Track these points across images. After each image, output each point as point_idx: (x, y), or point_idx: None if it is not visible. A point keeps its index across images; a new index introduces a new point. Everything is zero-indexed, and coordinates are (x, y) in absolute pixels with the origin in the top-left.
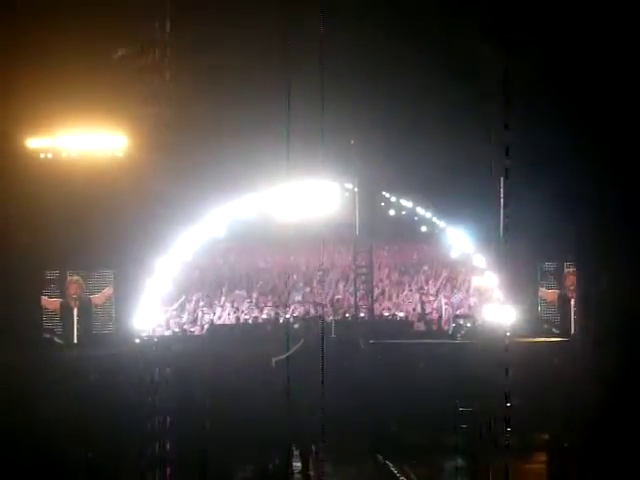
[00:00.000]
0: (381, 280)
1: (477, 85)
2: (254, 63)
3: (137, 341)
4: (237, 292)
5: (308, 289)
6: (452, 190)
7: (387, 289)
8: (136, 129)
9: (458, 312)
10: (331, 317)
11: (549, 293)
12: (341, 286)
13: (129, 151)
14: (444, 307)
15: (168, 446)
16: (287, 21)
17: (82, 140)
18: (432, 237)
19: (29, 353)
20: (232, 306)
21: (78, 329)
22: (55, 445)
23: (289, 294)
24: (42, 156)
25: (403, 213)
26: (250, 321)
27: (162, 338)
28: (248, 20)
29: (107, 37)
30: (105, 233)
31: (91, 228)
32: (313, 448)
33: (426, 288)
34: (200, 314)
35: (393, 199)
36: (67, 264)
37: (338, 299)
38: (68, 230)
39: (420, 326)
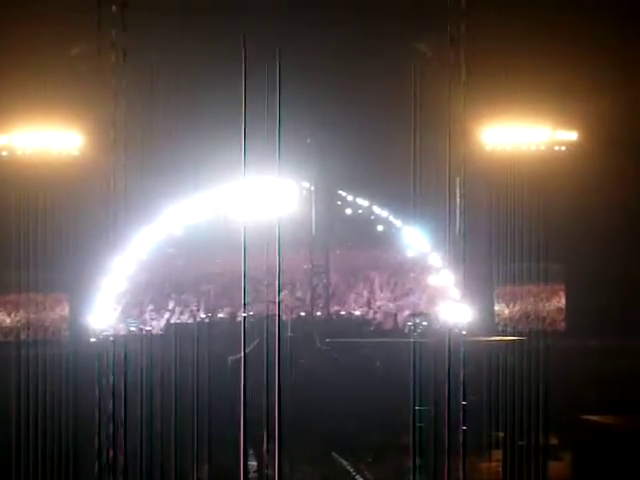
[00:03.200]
0: (337, 279)
1: (431, 84)
2: (210, 61)
3: (93, 340)
4: (193, 291)
5: (264, 288)
6: (409, 189)
7: (343, 288)
8: (91, 127)
9: (414, 311)
10: (287, 316)
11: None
12: (297, 285)
13: (84, 149)
14: (400, 306)
15: (122, 446)
16: (244, 20)
17: (37, 138)
18: (388, 236)
19: None
20: (188, 305)
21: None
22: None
23: (244, 293)
24: None
25: (359, 212)
26: (206, 320)
27: (118, 337)
28: (203, 18)
29: (63, 35)
30: (60, 231)
31: (46, 226)
32: (268, 447)
33: (382, 287)
34: (156, 313)
35: (350, 198)
36: (20, 262)
37: (294, 297)
38: (21, 228)
39: (376, 324)
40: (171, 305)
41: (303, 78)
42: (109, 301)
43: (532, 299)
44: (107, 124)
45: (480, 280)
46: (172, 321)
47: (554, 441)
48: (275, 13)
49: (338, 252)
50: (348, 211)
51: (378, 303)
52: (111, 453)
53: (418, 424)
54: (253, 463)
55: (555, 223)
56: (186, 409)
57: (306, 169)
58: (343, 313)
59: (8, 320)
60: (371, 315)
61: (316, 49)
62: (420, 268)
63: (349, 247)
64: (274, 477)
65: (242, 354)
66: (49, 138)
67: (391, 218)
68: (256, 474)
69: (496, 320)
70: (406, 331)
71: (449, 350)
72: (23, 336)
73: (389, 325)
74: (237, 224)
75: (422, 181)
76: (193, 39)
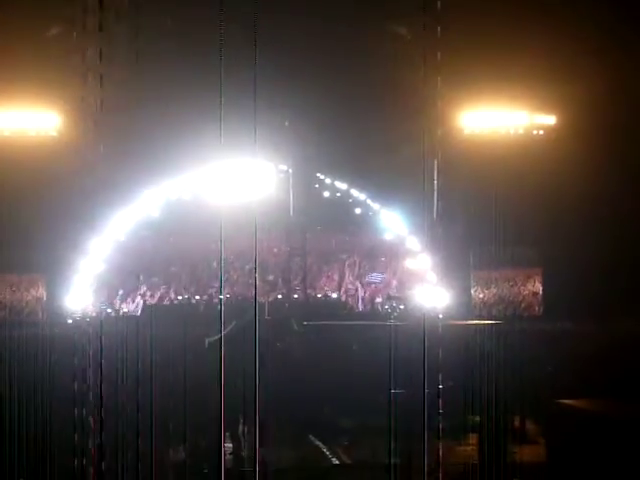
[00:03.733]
0: (314, 262)
1: (406, 62)
2: (187, 41)
3: (69, 322)
4: (169, 273)
5: (241, 270)
6: (386, 172)
7: (320, 271)
8: (69, 108)
9: (391, 294)
10: (264, 298)
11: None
12: (275, 267)
13: (62, 130)
14: (377, 289)
15: (97, 429)
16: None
17: (14, 119)
18: (366, 219)
19: None
20: (165, 287)
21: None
22: None
23: (222, 275)
24: None
25: (338, 195)
26: (183, 302)
27: (94, 319)
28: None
29: (41, 15)
30: (37, 212)
31: (22, 207)
32: (245, 429)
33: (359, 270)
34: (133, 295)
35: (328, 181)
36: None
37: (271, 280)
38: None
39: (353, 308)
40: (147, 287)
41: (280, 61)
42: (86, 282)
43: (508, 283)
44: (85, 105)
45: (457, 264)
46: (148, 303)
47: (530, 425)
48: None
49: (315, 235)
50: (326, 194)
51: (355, 286)
52: (87, 435)
53: (394, 407)
54: (229, 445)
55: (532, 207)
56: (163, 391)
57: (284, 152)
58: (320, 296)
59: None
60: (348, 298)
61: (294, 32)
62: (397, 251)
63: (326, 230)
64: (250, 459)
65: (220, 336)
66: (26, 119)
67: (369, 201)
68: (232, 456)
69: (473, 304)
70: (383, 314)
71: (425, 333)
72: None
73: (366, 308)
74: (214, 207)
75: (400, 165)
76: (171, 19)
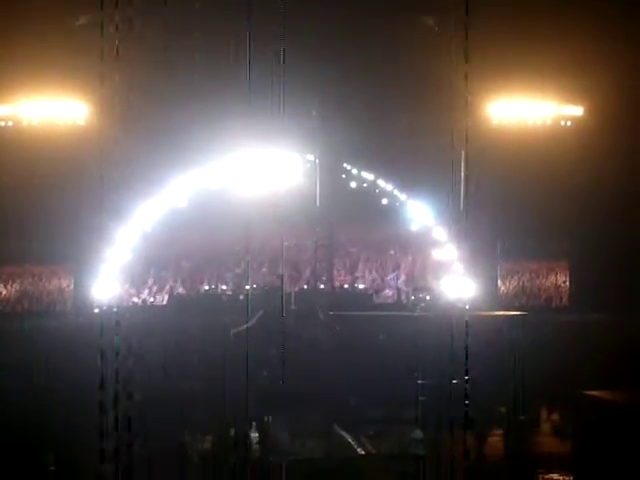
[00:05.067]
0: (341, 252)
1: (435, 53)
2: (216, 30)
3: (96, 311)
4: (196, 263)
5: (268, 260)
6: (413, 163)
7: (347, 261)
8: (97, 98)
9: (417, 285)
10: (291, 288)
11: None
12: (301, 258)
13: (90, 119)
14: (403, 280)
15: (125, 418)
16: None
17: (43, 108)
18: (393, 210)
19: None
20: (192, 277)
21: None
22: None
23: (248, 265)
24: (2, 124)
25: (364, 185)
26: (210, 292)
27: (122, 308)
28: None
29: (69, 4)
30: (65, 202)
31: (51, 197)
32: (271, 419)
33: (386, 261)
34: (160, 285)
35: (354, 171)
36: (24, 232)
37: (298, 270)
38: (26, 198)
39: (380, 298)
40: (174, 277)
41: (309, 51)
42: (113, 272)
43: (535, 274)
44: (113, 95)
45: (484, 255)
46: (175, 292)
47: (555, 416)
48: None
49: (342, 225)
50: (353, 184)
51: (381, 277)
52: (113, 424)
53: (420, 398)
54: (255, 435)
55: (559, 198)
56: (188, 381)
57: (311, 142)
58: (346, 286)
59: (12, 291)
60: (374, 288)
61: (324, 22)
62: (424, 242)
63: (353, 220)
64: (275, 448)
65: (246, 326)
66: (54, 108)
67: (396, 192)
68: (258, 446)
69: (499, 295)
70: (409, 305)
71: (452, 324)
72: (27, 307)
73: (392, 299)
74: (242, 197)
75: (427, 155)
76: (198, 8)
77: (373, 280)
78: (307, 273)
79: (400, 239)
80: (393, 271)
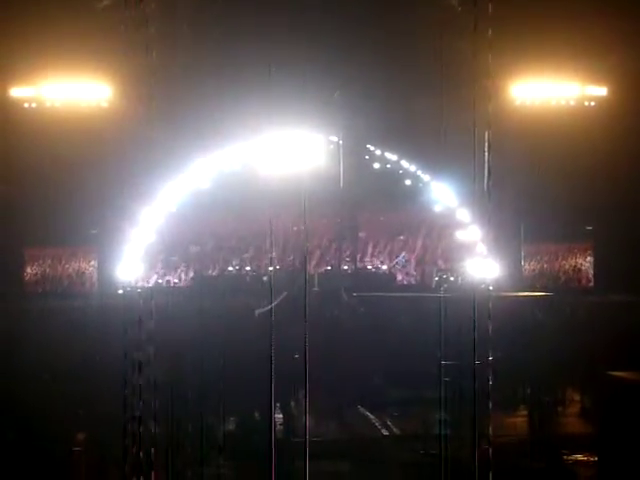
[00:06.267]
0: (364, 234)
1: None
2: (238, 13)
3: (120, 292)
4: (219, 244)
5: (291, 242)
6: (437, 144)
7: (370, 242)
8: (121, 79)
9: (441, 266)
10: (314, 269)
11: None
12: (324, 239)
13: (114, 101)
14: (427, 261)
15: (150, 400)
16: None
17: (66, 90)
18: (416, 191)
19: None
20: (215, 258)
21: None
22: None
23: (272, 246)
24: (26, 105)
25: (388, 166)
26: (234, 273)
27: (146, 289)
28: None
29: None
30: (89, 183)
31: (75, 178)
32: (295, 400)
33: (409, 242)
34: (184, 266)
35: (378, 152)
36: (50, 212)
37: (321, 252)
38: (50, 180)
39: (403, 279)
40: (198, 258)
41: (330, 31)
42: (137, 253)
43: (559, 256)
44: (136, 76)
45: (508, 236)
46: (199, 274)
47: (580, 397)
48: None
49: (365, 206)
50: (376, 165)
51: (405, 258)
52: (139, 404)
53: (444, 378)
54: (279, 416)
55: (583, 180)
56: (213, 361)
57: (334, 123)
58: (370, 267)
59: (37, 272)
60: (397, 270)
61: (345, 3)
62: (447, 223)
63: (376, 202)
64: (300, 430)
65: (270, 306)
66: (78, 90)
67: (419, 173)
68: (282, 427)
69: (523, 276)
70: (433, 286)
71: (475, 305)
72: (52, 288)
73: (416, 280)
74: (264, 177)
75: (450, 136)
76: None
77: (396, 261)
78: (330, 254)
79: (424, 220)
80: (415, 252)
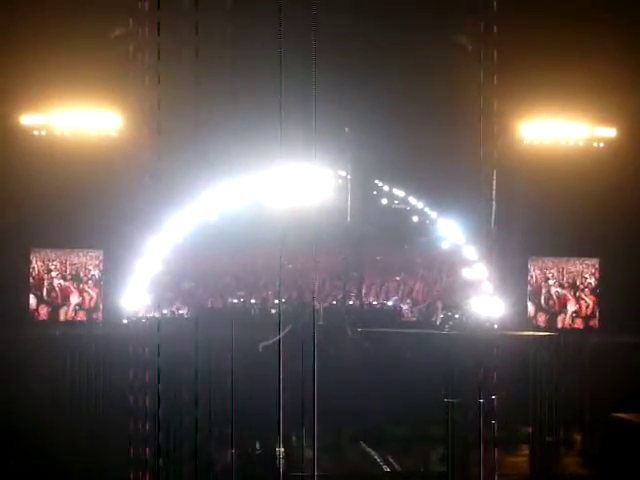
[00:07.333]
0: (370, 269)
1: (467, 71)
2: (247, 46)
3: (125, 322)
4: (225, 276)
5: (297, 275)
6: (445, 180)
7: (376, 278)
8: (130, 109)
9: (446, 303)
10: (319, 304)
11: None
12: (331, 273)
13: (123, 130)
14: (432, 298)
15: (153, 427)
16: (280, 7)
17: (76, 118)
18: (423, 227)
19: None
20: (220, 290)
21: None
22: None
23: (278, 279)
24: (35, 133)
25: (395, 202)
26: (239, 306)
27: (150, 320)
28: (241, 4)
29: (102, 16)
30: (96, 212)
31: (83, 207)
32: (297, 435)
33: (416, 278)
34: (188, 297)
35: (386, 188)
36: (57, 243)
37: (327, 286)
38: (57, 208)
39: (408, 316)
40: (204, 289)
41: (341, 66)
42: (142, 283)
43: (565, 294)
44: (145, 107)
45: (514, 274)
46: (204, 305)
47: (583, 438)
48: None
49: (372, 242)
50: (384, 201)
51: (411, 294)
52: (143, 433)
53: (447, 416)
54: (281, 450)
55: (591, 220)
56: (215, 394)
57: (343, 158)
58: (375, 303)
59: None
60: (403, 306)
61: (355, 38)
62: (454, 260)
63: (383, 237)
64: (301, 464)
65: (275, 339)
66: (88, 119)
67: (426, 209)
68: (284, 460)
69: (528, 315)
70: (438, 323)
71: (480, 343)
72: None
73: (421, 317)
74: (272, 211)
75: (458, 173)
76: (230, 21)
77: (401, 298)
78: (336, 289)
79: (430, 257)
80: (420, 289)
